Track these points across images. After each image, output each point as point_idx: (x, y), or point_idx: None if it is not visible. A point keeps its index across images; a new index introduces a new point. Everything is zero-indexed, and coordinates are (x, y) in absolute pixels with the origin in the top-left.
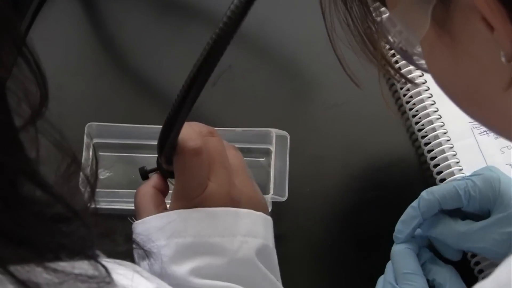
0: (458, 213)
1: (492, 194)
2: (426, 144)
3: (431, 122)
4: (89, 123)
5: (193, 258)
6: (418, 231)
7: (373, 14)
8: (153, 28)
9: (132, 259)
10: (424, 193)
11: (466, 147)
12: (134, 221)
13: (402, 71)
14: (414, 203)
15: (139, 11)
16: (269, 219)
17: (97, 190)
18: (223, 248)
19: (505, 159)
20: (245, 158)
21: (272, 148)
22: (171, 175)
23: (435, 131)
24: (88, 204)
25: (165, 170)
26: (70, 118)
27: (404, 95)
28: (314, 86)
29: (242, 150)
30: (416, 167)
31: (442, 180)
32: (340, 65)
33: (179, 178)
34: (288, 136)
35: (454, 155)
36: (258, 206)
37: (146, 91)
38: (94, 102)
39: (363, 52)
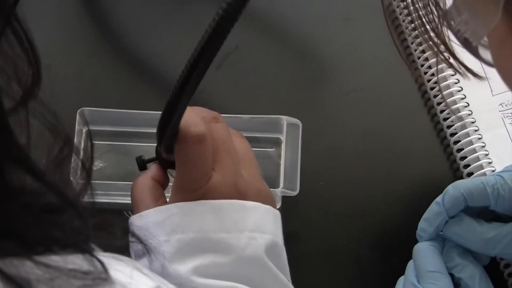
0: (485, 213)
1: None
2: (452, 134)
3: (458, 111)
4: (81, 109)
5: (196, 256)
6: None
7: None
8: (151, 3)
9: (129, 255)
10: (450, 187)
11: (497, 138)
12: (130, 216)
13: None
14: (439, 199)
15: None
16: (278, 214)
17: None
18: (229, 244)
19: None
20: (252, 148)
21: (283, 137)
22: (172, 166)
23: (462, 120)
24: (83, 193)
25: (165, 160)
26: (59, 102)
27: (429, 81)
28: (329, 70)
29: (249, 139)
30: (441, 160)
31: (470, 174)
32: (400, 57)
33: (181, 168)
34: (300, 124)
35: (483, 146)
36: (266, 200)
37: (144, 73)
38: (85, 85)
39: (422, 37)
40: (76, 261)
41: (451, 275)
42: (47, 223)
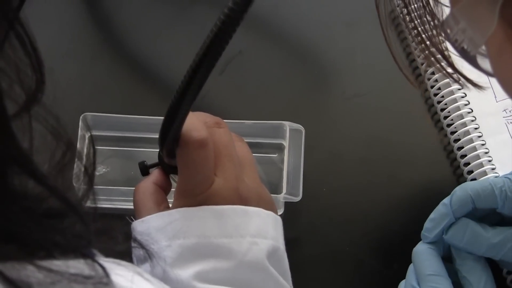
0: (492, 216)
1: None
2: (456, 140)
3: (461, 117)
4: (84, 114)
5: (197, 261)
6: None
7: (433, 8)
8: (155, 7)
9: (130, 260)
10: (457, 189)
11: (500, 144)
12: (133, 221)
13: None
14: (446, 200)
15: None
16: (279, 219)
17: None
18: (231, 249)
19: None
20: (255, 154)
21: (286, 143)
22: (174, 171)
23: (466, 126)
24: (85, 199)
25: (167, 165)
26: (62, 107)
27: (432, 87)
28: (332, 75)
29: (252, 144)
30: (444, 165)
31: (473, 180)
32: (397, 65)
33: (183, 173)
34: (303, 130)
35: (487, 152)
36: (267, 205)
37: (146, 78)
38: (88, 90)
39: (420, 50)
40: (77, 265)
41: (455, 274)
42: (48, 228)
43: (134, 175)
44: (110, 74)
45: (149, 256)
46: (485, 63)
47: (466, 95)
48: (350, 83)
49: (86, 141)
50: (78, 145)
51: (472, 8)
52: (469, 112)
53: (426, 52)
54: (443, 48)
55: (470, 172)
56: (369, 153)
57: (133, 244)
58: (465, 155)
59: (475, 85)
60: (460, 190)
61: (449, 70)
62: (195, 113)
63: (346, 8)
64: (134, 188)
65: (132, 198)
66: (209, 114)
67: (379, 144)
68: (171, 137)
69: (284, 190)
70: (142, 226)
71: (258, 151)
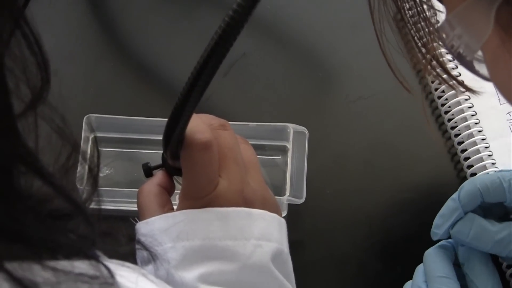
0: (499, 209)
1: None
2: (460, 143)
3: (465, 119)
4: (88, 115)
5: (201, 263)
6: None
7: (427, 14)
8: (159, 9)
9: (134, 261)
10: (465, 183)
11: (504, 147)
12: (137, 222)
13: None
14: (454, 195)
15: None
16: (283, 222)
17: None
18: (235, 252)
19: None
20: (259, 156)
21: (289, 145)
22: (177, 172)
23: (469, 129)
24: (90, 200)
25: (171, 167)
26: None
27: (436, 90)
28: (336, 77)
29: (255, 147)
30: (448, 168)
31: None
32: (392, 72)
33: (187, 175)
34: (307, 132)
35: (490, 155)
36: (272, 207)
37: (150, 80)
38: (92, 92)
39: (414, 56)
40: (82, 266)
41: (464, 278)
42: (53, 229)
43: (137, 177)
44: (114, 76)
45: (153, 257)
46: (482, 68)
47: (469, 98)
48: (354, 86)
49: (90, 142)
50: (81, 147)
51: (468, 14)
52: (473, 115)
53: (419, 56)
54: (438, 53)
55: (474, 174)
56: (373, 156)
57: (137, 246)
58: (469, 158)
59: (469, 89)
60: (468, 184)
61: (444, 75)
62: (200, 115)
63: (350, 11)
64: (137, 190)
65: (135, 200)
66: (214, 116)
67: (383, 147)
68: (175, 139)
69: (288, 192)
70: (146, 228)
71: (262, 153)
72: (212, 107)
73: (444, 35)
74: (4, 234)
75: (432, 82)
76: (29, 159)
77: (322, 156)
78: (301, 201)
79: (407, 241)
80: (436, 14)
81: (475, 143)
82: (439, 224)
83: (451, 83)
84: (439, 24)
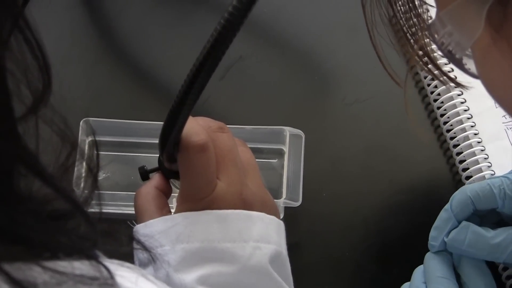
0: (493, 216)
1: None
2: (455, 146)
3: (460, 122)
4: (84, 119)
5: (200, 265)
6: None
7: (419, 10)
8: (155, 14)
9: (133, 263)
10: (456, 193)
11: (499, 150)
12: (134, 225)
13: None
14: (447, 206)
15: None
16: (281, 224)
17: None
18: (234, 254)
19: None
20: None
21: (286, 148)
22: (174, 176)
23: (465, 131)
24: (89, 201)
25: (167, 170)
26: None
27: (432, 92)
28: (333, 81)
29: (252, 150)
30: (444, 171)
31: None
32: (381, 65)
33: (185, 177)
34: (303, 135)
35: (486, 158)
36: (271, 210)
37: (147, 84)
38: (89, 95)
39: (404, 50)
40: (82, 267)
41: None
42: (53, 229)
43: (134, 180)
44: (111, 80)
45: (152, 259)
46: (471, 65)
47: (465, 101)
48: (350, 89)
49: (87, 146)
50: (78, 150)
51: (459, 12)
52: (468, 118)
53: (412, 54)
54: (429, 49)
55: (469, 177)
56: (369, 159)
57: (136, 247)
58: (464, 160)
59: (459, 84)
60: (459, 194)
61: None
62: (198, 118)
63: (347, 15)
64: (134, 193)
65: (132, 203)
66: (212, 119)
67: (379, 150)
68: (171, 142)
69: (284, 195)
70: (145, 230)
71: (258, 156)
72: (209, 110)
73: (434, 32)
74: (4, 235)
75: (428, 85)
76: (29, 161)
77: (318, 159)
78: (298, 204)
79: (403, 243)
80: (428, 10)
81: (470, 146)
82: (435, 236)
83: (442, 78)
84: (430, 21)
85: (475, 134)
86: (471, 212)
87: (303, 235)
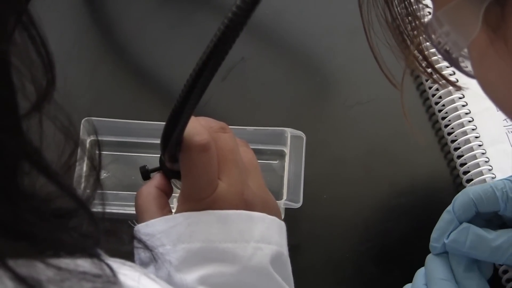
0: (496, 219)
1: None
2: (456, 149)
3: (461, 125)
4: (86, 118)
5: (201, 265)
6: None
7: (415, 10)
8: (157, 14)
9: (134, 261)
10: (459, 194)
11: (500, 153)
12: (135, 225)
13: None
14: (449, 207)
15: None
16: (283, 225)
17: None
18: (235, 254)
19: None
20: None
21: (287, 149)
22: (175, 175)
23: (466, 135)
24: (93, 198)
25: (169, 170)
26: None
27: (433, 96)
28: (334, 83)
29: (253, 151)
30: (445, 174)
31: None
32: (377, 65)
33: (186, 177)
34: (304, 137)
35: (487, 161)
36: (272, 210)
37: (148, 84)
38: (90, 95)
39: (401, 50)
40: (85, 264)
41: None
42: (56, 227)
43: (135, 180)
44: (112, 80)
45: (154, 258)
46: (467, 65)
47: (467, 104)
48: (351, 91)
49: (88, 145)
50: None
51: (456, 12)
52: (470, 121)
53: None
54: (424, 49)
55: (470, 180)
56: (370, 161)
57: (138, 246)
58: (465, 163)
59: (454, 85)
60: (462, 195)
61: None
62: (200, 118)
63: (348, 18)
64: (135, 193)
65: (132, 203)
66: (213, 120)
67: (380, 152)
68: (173, 141)
69: (285, 197)
70: (146, 230)
71: (259, 157)
72: (210, 111)
73: (431, 32)
74: (9, 232)
75: (430, 88)
76: (34, 158)
77: (319, 160)
78: (298, 205)
79: (404, 245)
80: (424, 10)
81: (471, 149)
82: (437, 238)
83: (435, 76)
84: (427, 20)
85: (476, 137)
86: (473, 214)
87: (303, 236)
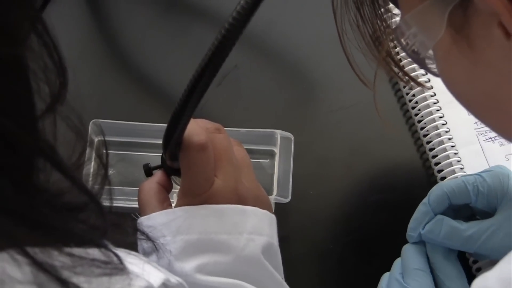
0: (466, 210)
1: (500, 191)
2: (431, 149)
3: (436, 128)
4: (93, 120)
5: (198, 255)
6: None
7: (383, 15)
8: (158, 24)
9: (137, 251)
10: (434, 188)
11: (471, 153)
12: (137, 218)
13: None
14: (425, 200)
15: (144, 7)
16: (273, 218)
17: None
18: (229, 245)
19: (510, 166)
20: None
21: (276, 149)
22: (175, 173)
23: (440, 136)
24: (101, 193)
25: (169, 167)
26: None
27: (410, 101)
28: (320, 88)
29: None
30: (421, 172)
31: None
32: (350, 66)
33: (186, 174)
34: (293, 138)
35: (459, 161)
36: (264, 204)
37: (150, 89)
38: (97, 99)
39: (371, 53)
40: (94, 253)
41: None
42: (67, 219)
43: (137, 177)
44: (117, 85)
45: (156, 248)
46: (432, 64)
47: (441, 109)
48: (335, 96)
49: (95, 145)
50: (87, 150)
51: (424, 15)
52: (443, 124)
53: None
54: (392, 50)
55: (444, 178)
56: (353, 160)
57: (141, 237)
58: (439, 163)
59: (419, 84)
60: (436, 189)
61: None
62: (196, 119)
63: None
64: (137, 188)
65: (135, 198)
66: (209, 121)
67: (362, 152)
68: (174, 141)
69: (275, 192)
70: (148, 222)
71: (252, 156)
72: (207, 114)
73: (400, 35)
74: (26, 222)
75: (407, 94)
76: (49, 154)
77: (306, 160)
78: (287, 200)
79: (383, 237)
80: (391, 15)
81: (445, 150)
82: (413, 227)
83: (404, 79)
84: (396, 23)
85: (449, 139)
86: (447, 206)
87: (291, 229)
